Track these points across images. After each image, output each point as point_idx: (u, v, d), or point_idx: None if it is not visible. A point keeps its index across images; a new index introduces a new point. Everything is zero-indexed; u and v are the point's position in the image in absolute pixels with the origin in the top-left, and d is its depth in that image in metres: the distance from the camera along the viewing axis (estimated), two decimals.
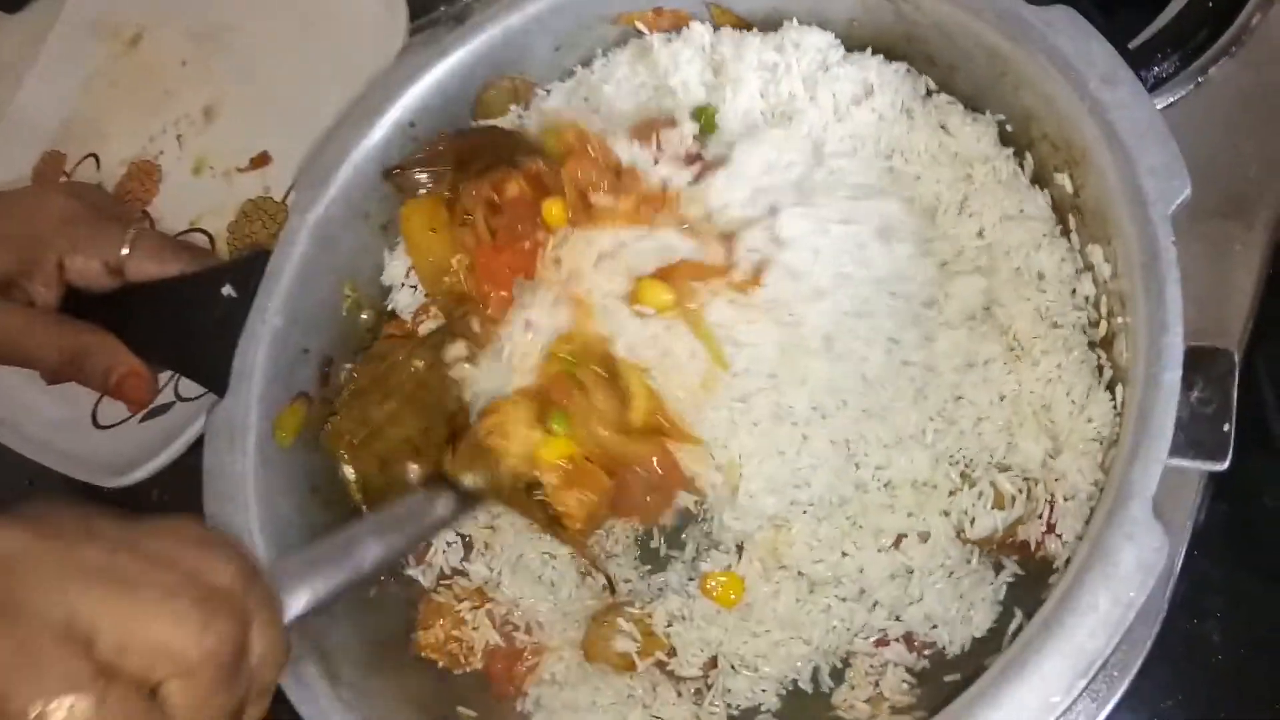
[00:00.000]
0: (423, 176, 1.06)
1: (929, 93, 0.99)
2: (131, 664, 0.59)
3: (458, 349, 0.99)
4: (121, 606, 0.60)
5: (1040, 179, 0.93)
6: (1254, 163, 1.02)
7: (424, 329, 1.06)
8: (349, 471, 1.01)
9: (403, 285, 1.09)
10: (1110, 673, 0.82)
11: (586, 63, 1.12)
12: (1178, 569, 0.84)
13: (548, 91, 1.12)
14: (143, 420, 1.30)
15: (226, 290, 1.06)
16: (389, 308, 1.11)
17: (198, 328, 1.07)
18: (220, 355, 1.02)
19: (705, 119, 1.00)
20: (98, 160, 1.51)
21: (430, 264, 1.04)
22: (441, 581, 1.02)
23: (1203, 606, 0.96)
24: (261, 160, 1.41)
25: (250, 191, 1.41)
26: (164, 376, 1.29)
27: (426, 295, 1.07)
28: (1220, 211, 0.97)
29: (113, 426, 1.32)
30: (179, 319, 1.10)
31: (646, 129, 0.99)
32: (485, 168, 1.02)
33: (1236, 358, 0.76)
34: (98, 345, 1.12)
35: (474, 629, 0.99)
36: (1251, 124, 1.03)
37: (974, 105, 0.97)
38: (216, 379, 1.02)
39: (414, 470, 0.97)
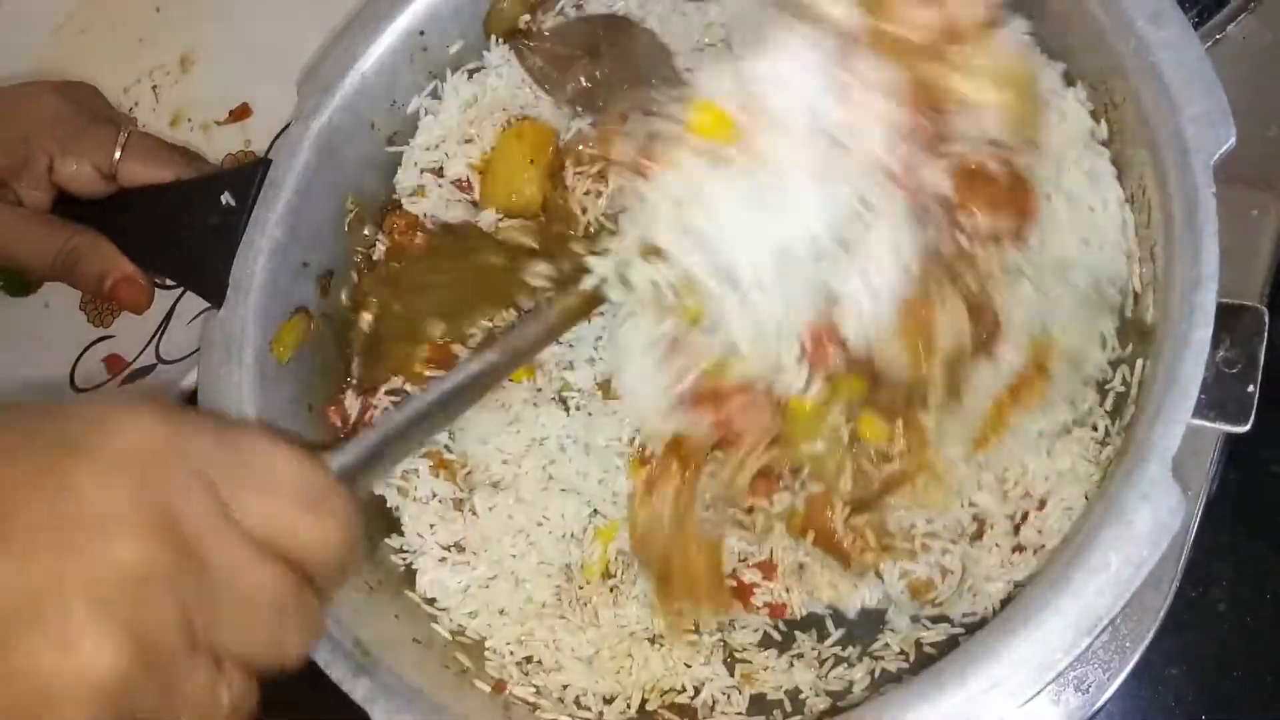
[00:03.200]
0: (550, 46, 1.03)
1: None
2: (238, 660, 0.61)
3: (543, 269, 0.97)
4: (238, 623, 0.61)
5: None
6: (1273, 122, 0.99)
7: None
8: (364, 320, 1.01)
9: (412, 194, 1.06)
10: (1122, 643, 0.81)
11: None
12: (1191, 537, 0.82)
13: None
14: (123, 383, 1.26)
15: (225, 198, 1.03)
16: (395, 197, 1.07)
17: (193, 236, 1.04)
18: (218, 265, 0.99)
19: None
20: None
21: (507, 185, 1.02)
22: None
23: (1210, 574, 0.96)
24: (242, 112, 1.36)
25: (230, 145, 1.35)
26: (145, 336, 1.27)
27: (483, 205, 1.04)
28: (1239, 173, 0.93)
29: (91, 389, 1.27)
30: (174, 226, 1.07)
31: None
32: (620, 77, 0.99)
33: (1266, 317, 0.74)
34: (91, 248, 1.09)
35: None
36: (1271, 82, 1.00)
37: None
38: (214, 289, 0.99)
39: (439, 326, 0.97)
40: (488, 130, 1.05)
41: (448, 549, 0.97)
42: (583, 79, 1.02)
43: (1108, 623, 0.67)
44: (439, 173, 1.06)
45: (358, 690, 0.81)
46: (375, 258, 1.06)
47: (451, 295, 0.99)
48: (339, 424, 1.00)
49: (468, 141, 1.05)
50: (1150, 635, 0.84)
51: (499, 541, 0.95)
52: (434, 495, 0.98)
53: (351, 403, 1.00)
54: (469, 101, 1.06)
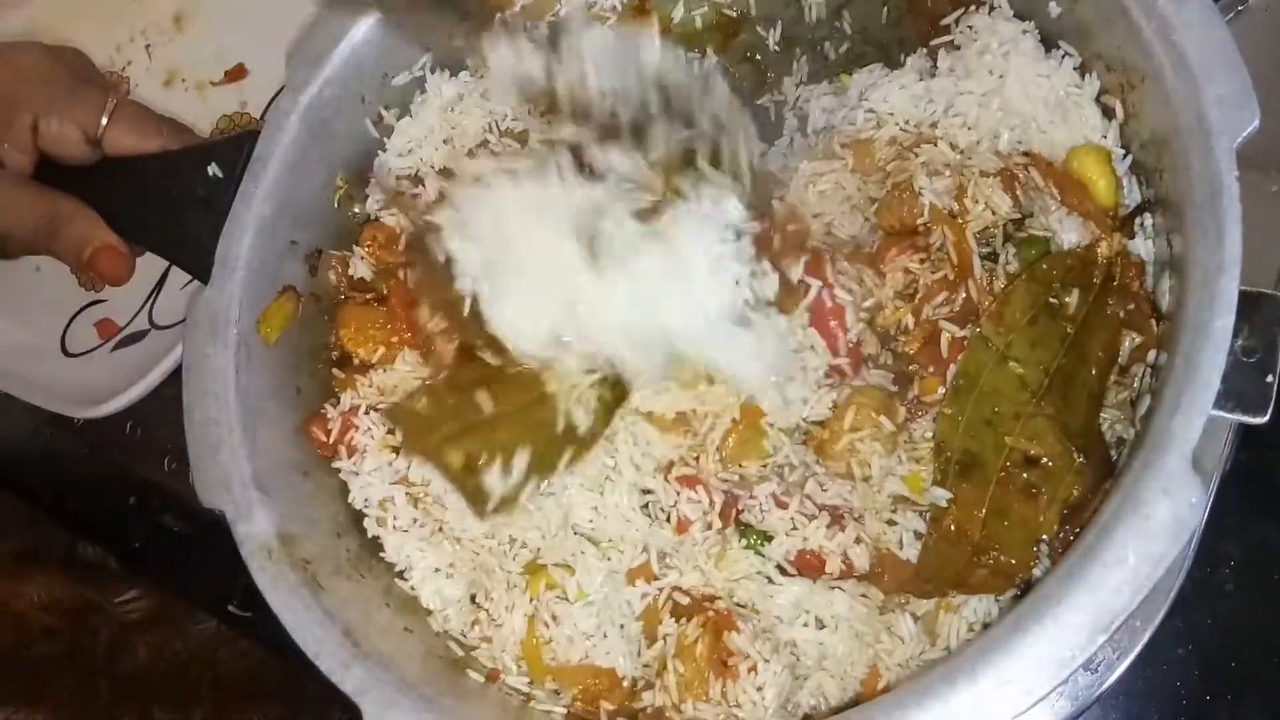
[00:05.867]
0: None
1: None
2: None
3: None
4: None
5: None
6: None
7: None
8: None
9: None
10: (1132, 623, 0.79)
11: None
12: (1203, 519, 0.80)
13: None
14: (115, 349, 1.24)
15: (212, 170, 1.00)
16: (369, 210, 1.03)
17: (179, 208, 1.01)
18: (203, 239, 0.96)
19: None
20: None
21: None
22: None
23: (1218, 555, 0.94)
24: (237, 73, 1.34)
25: (226, 107, 1.33)
26: (137, 301, 1.25)
27: None
28: (1258, 151, 0.91)
29: (83, 354, 1.26)
30: (159, 198, 1.03)
31: None
32: None
33: None
34: (74, 215, 1.05)
35: None
36: None
37: (1022, 16, 0.91)
38: (199, 264, 0.96)
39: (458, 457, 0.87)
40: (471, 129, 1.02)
41: (437, 570, 0.94)
42: None
43: (1124, 619, 0.65)
44: (415, 180, 1.02)
45: (348, 682, 0.79)
46: (355, 275, 1.01)
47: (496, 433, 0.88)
48: (324, 439, 0.96)
49: (445, 142, 1.02)
50: (1160, 615, 0.82)
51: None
52: (415, 522, 0.94)
53: (333, 418, 0.96)
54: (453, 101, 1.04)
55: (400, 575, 0.94)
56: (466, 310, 0.85)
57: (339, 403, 0.97)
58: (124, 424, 1.24)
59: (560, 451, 0.86)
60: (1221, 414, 0.69)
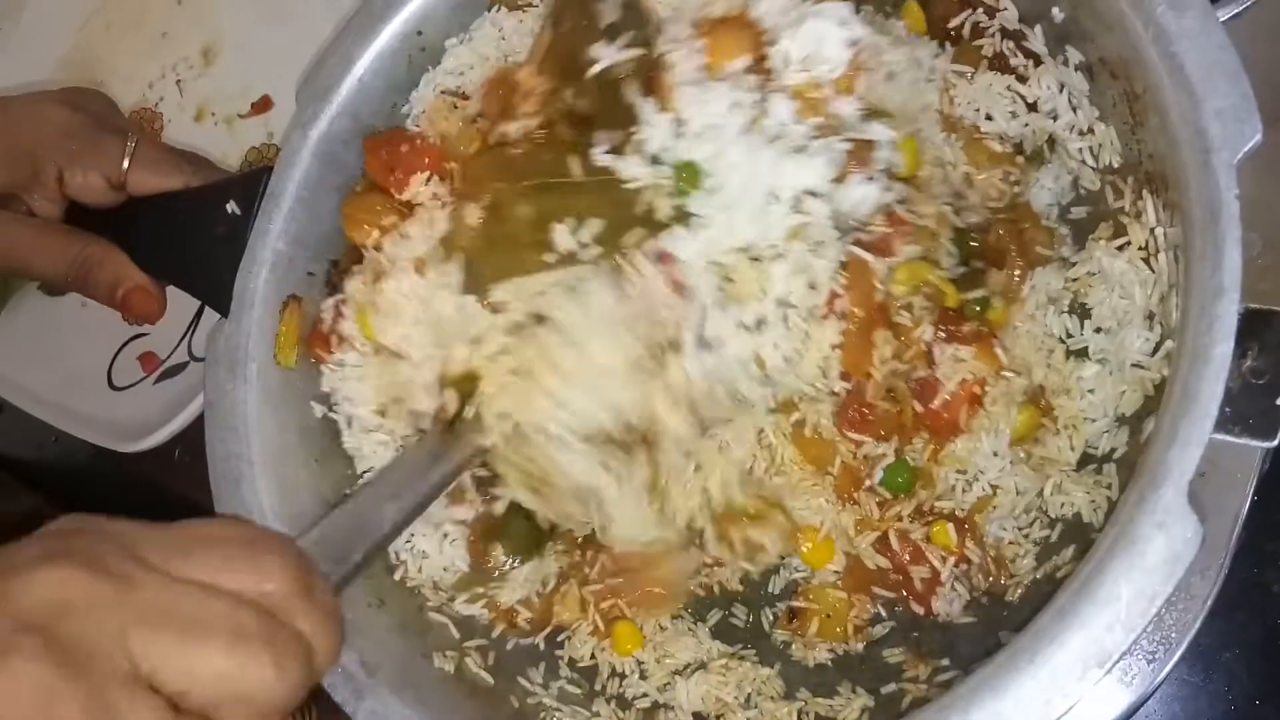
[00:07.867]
0: None
1: None
2: (200, 705, 0.56)
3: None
4: (188, 652, 0.56)
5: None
6: None
7: None
8: (470, 214, 0.88)
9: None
10: (1168, 634, 0.76)
11: None
12: (1242, 518, 0.76)
13: None
14: (157, 381, 1.29)
15: (230, 207, 1.02)
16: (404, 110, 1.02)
17: (201, 245, 1.04)
18: (225, 274, 0.99)
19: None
20: None
21: None
22: None
23: (1263, 554, 0.91)
24: (263, 105, 1.37)
25: (253, 138, 1.36)
26: (177, 335, 1.30)
27: None
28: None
29: (128, 388, 1.31)
30: (182, 235, 1.07)
31: None
32: None
33: None
34: (105, 257, 1.09)
35: None
36: None
37: (1027, 20, 0.89)
38: (222, 299, 0.99)
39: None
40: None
41: None
42: None
43: (1118, 659, 0.63)
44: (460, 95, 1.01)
45: (360, 713, 0.81)
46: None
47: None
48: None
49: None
50: (1197, 624, 0.79)
51: None
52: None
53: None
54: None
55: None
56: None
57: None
58: (173, 451, 1.28)
59: (630, 229, 0.83)
60: (1227, 438, 0.67)
